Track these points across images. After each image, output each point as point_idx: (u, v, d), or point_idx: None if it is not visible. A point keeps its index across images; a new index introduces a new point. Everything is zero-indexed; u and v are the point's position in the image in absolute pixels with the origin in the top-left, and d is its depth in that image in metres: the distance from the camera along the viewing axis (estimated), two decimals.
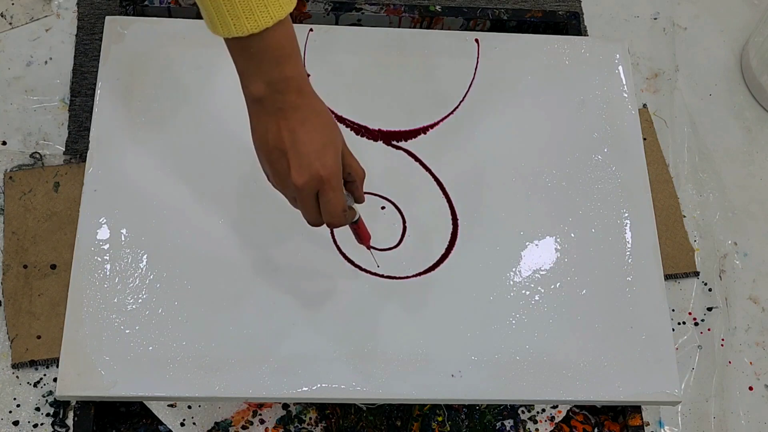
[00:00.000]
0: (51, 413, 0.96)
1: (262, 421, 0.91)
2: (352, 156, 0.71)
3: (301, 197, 0.67)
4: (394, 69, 0.97)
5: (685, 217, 1.17)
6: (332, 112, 0.94)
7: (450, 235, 0.89)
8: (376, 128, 0.93)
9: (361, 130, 0.93)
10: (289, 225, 0.87)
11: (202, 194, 0.88)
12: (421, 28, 1.04)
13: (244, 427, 0.91)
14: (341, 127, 0.93)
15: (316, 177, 0.65)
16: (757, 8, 1.34)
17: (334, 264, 0.86)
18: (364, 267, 0.86)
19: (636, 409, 0.90)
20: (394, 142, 0.93)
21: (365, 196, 0.90)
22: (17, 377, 0.98)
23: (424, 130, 0.94)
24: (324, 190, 0.66)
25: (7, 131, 1.11)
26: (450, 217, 0.90)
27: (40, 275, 1.02)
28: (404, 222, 0.89)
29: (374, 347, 0.82)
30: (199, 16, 1.00)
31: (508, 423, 0.93)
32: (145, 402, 0.89)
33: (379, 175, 0.91)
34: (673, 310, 1.11)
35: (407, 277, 0.86)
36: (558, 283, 0.88)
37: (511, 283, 0.87)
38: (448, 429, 0.92)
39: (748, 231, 1.18)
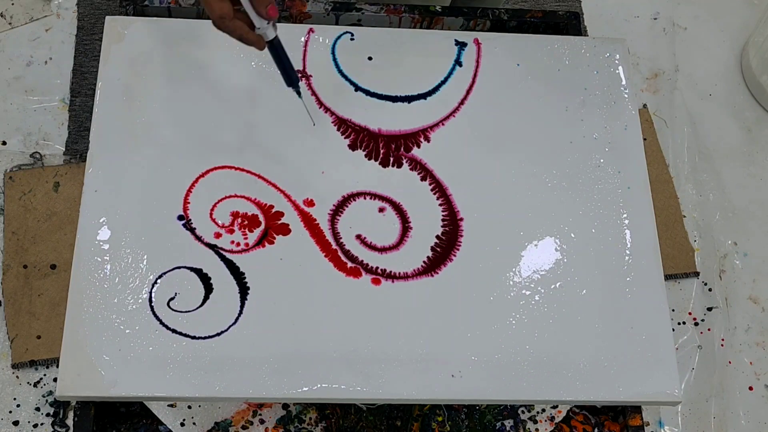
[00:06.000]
0: (51, 413, 0.96)
1: (262, 421, 0.91)
2: None
3: None
4: (394, 69, 0.97)
5: (685, 217, 1.17)
6: (333, 113, 0.95)
7: (450, 236, 0.89)
8: (376, 129, 0.93)
9: (362, 131, 0.93)
10: (289, 224, 0.87)
11: (201, 194, 0.88)
12: (421, 28, 1.04)
13: (244, 427, 0.91)
14: (342, 129, 0.93)
15: None
16: (757, 8, 1.34)
17: (335, 263, 0.86)
18: (365, 266, 0.86)
19: (636, 409, 0.90)
20: (394, 148, 0.93)
21: (366, 197, 0.90)
22: (17, 377, 0.98)
23: (424, 130, 0.94)
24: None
25: (7, 131, 1.11)
26: (450, 217, 0.90)
27: (40, 275, 1.02)
28: (405, 222, 0.89)
29: (374, 347, 0.83)
30: (199, 16, 1.00)
31: (508, 423, 0.93)
32: (145, 402, 0.89)
33: (379, 175, 0.91)
34: (673, 310, 1.11)
35: (408, 278, 0.87)
36: (558, 283, 0.88)
37: (511, 283, 0.87)
38: (448, 429, 0.92)
39: (748, 231, 1.18)
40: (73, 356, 0.79)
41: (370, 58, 0.97)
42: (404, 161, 0.92)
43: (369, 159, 0.91)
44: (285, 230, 0.87)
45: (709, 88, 1.28)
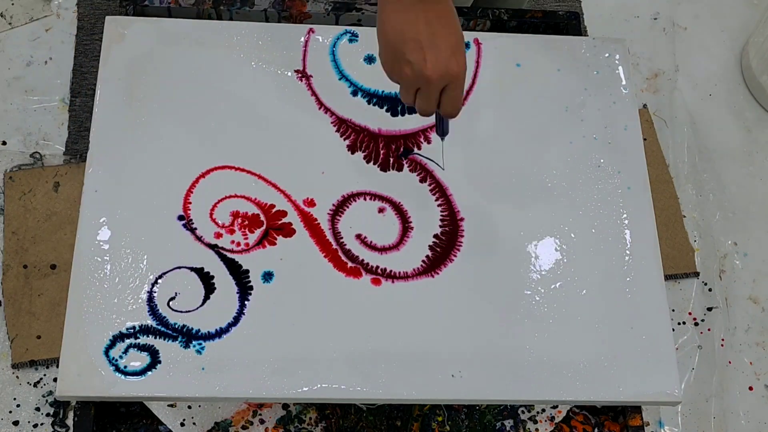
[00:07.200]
0: (51, 413, 0.96)
1: (262, 421, 0.91)
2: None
3: (428, 90, 0.69)
4: None
5: (685, 217, 1.17)
6: (333, 113, 0.95)
7: (450, 236, 0.89)
8: (377, 129, 0.93)
9: (362, 131, 0.93)
10: (290, 224, 0.87)
11: (202, 194, 0.88)
12: None
13: (244, 427, 0.91)
14: (342, 130, 0.93)
15: (450, 73, 0.67)
16: (757, 8, 1.34)
17: (335, 263, 0.86)
18: (365, 266, 0.86)
19: (636, 409, 0.90)
20: (394, 149, 0.93)
21: (366, 197, 0.90)
22: (17, 377, 0.98)
23: (424, 131, 0.94)
24: (452, 87, 0.68)
25: (7, 131, 1.11)
26: (450, 217, 0.90)
27: (40, 275, 1.02)
28: (405, 222, 0.89)
29: (374, 347, 0.83)
30: (199, 16, 1.00)
31: (508, 423, 0.93)
32: (145, 402, 0.89)
33: (379, 175, 0.91)
34: (673, 310, 1.11)
35: (408, 278, 0.86)
36: (558, 283, 0.88)
37: (511, 283, 0.87)
38: (448, 429, 0.92)
39: (748, 231, 1.18)
40: (73, 356, 0.79)
41: (370, 58, 0.97)
42: (404, 162, 0.92)
43: (369, 162, 0.91)
44: (286, 230, 0.87)
45: (709, 88, 1.28)
